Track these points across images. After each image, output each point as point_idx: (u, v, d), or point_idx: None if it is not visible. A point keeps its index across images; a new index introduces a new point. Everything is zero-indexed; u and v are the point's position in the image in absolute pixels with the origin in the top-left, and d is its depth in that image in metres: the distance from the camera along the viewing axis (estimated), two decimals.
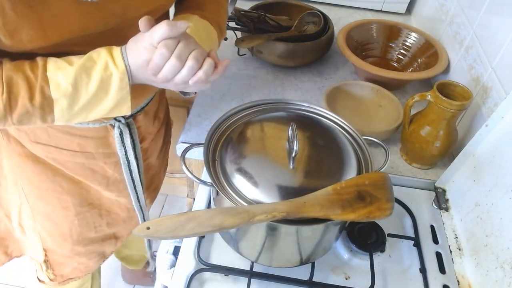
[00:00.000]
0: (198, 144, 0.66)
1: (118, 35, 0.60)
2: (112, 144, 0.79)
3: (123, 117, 0.76)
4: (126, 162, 0.83)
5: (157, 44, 0.53)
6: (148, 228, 0.50)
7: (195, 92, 0.79)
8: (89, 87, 0.56)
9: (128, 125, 0.78)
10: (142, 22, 0.54)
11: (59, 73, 0.55)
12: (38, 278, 0.99)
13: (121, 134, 0.77)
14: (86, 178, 0.83)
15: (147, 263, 1.50)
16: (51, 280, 0.97)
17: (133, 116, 0.79)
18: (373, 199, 0.57)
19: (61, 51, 0.58)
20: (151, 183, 0.99)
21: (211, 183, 0.59)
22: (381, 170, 0.64)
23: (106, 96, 0.58)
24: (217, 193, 0.62)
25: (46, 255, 0.91)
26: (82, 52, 0.57)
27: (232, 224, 0.52)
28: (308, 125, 0.68)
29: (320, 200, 0.56)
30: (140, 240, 1.31)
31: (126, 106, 0.60)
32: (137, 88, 0.61)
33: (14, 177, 0.81)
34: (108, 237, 0.96)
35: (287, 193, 0.57)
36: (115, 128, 0.76)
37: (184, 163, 0.62)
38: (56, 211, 0.84)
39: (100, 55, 0.56)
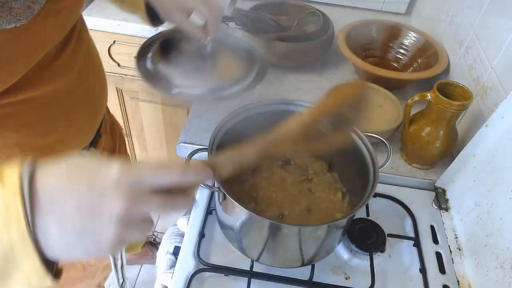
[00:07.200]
0: (202, 149, 0.65)
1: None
2: None
3: None
4: None
5: None
6: None
7: None
8: None
9: None
10: None
11: None
12: None
13: None
14: None
15: (145, 245, 1.55)
16: None
17: None
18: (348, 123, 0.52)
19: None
20: None
21: (218, 187, 0.59)
22: (383, 167, 0.64)
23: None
24: (224, 197, 0.62)
25: None
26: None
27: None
28: None
29: (292, 135, 0.49)
30: None
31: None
32: None
33: None
34: None
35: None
36: None
37: None
38: None
39: None
